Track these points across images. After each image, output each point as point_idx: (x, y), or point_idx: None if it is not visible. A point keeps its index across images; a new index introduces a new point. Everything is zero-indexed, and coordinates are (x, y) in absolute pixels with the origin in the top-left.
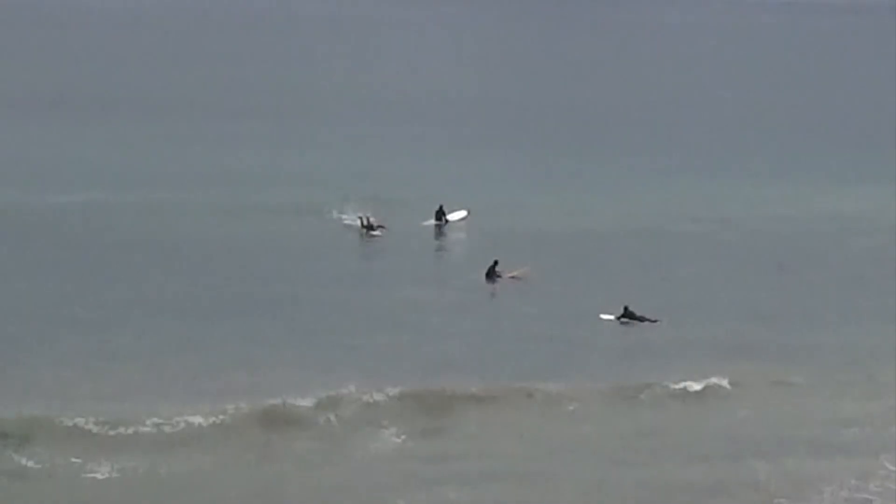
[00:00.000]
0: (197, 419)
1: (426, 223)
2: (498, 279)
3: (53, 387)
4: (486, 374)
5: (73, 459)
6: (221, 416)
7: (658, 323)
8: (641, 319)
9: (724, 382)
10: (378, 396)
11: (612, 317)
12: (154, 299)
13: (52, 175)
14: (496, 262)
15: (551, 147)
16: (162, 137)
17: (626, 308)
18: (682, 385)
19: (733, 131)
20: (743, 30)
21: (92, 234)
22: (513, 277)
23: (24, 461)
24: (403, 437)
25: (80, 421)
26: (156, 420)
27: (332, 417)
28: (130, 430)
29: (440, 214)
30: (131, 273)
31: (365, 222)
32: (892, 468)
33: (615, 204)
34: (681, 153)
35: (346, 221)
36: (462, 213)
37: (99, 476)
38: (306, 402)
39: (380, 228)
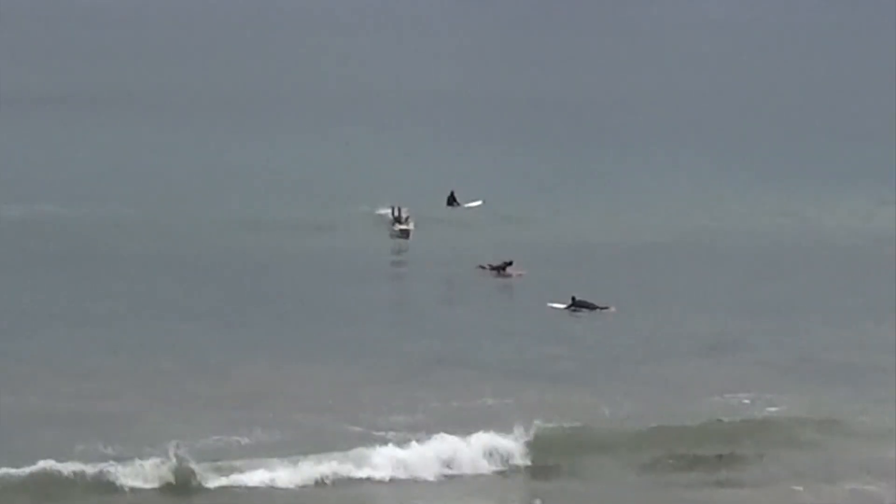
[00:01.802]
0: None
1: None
2: (506, 275)
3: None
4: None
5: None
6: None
7: (609, 310)
8: (592, 307)
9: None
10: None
11: (561, 305)
12: (160, 306)
13: (50, 182)
14: (510, 263)
15: (555, 143)
16: (163, 139)
17: (573, 298)
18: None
19: (735, 129)
20: (746, 25)
21: (108, 245)
22: (518, 274)
23: None
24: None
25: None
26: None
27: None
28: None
29: (451, 200)
30: (130, 279)
31: (395, 213)
32: None
33: (618, 201)
34: (679, 149)
35: (377, 212)
36: (477, 203)
37: None
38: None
39: (407, 221)
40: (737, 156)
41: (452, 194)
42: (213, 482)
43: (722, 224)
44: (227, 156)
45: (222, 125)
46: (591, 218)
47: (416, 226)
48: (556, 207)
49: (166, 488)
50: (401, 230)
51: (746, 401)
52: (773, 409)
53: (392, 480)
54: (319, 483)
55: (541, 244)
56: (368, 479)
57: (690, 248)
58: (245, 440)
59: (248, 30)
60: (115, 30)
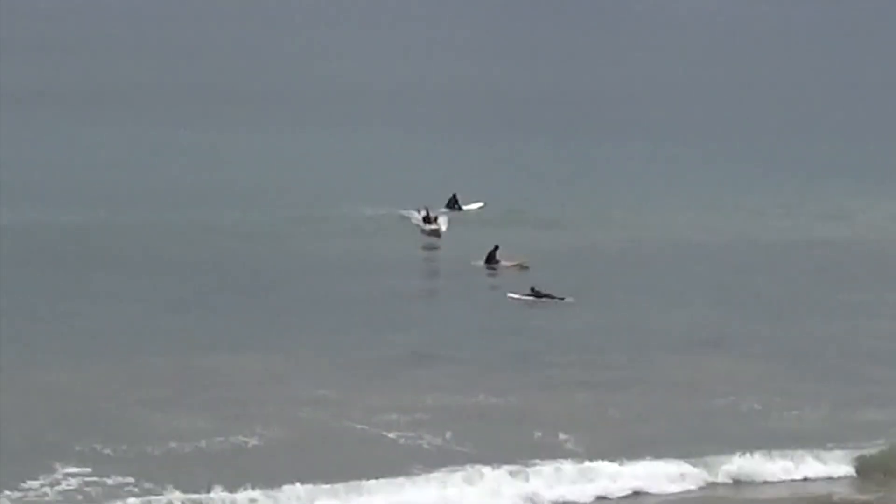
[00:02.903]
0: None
1: (440, 210)
2: (497, 265)
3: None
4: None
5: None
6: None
7: (566, 300)
8: (550, 297)
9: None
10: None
11: (519, 295)
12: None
13: (44, 187)
14: (496, 248)
15: (553, 138)
16: (159, 138)
17: (532, 288)
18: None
19: (734, 123)
20: (747, 18)
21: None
22: (513, 266)
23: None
24: None
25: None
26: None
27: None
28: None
29: (453, 202)
30: (130, 281)
31: (424, 213)
32: None
33: (616, 197)
34: (676, 143)
35: (404, 214)
36: (478, 205)
37: None
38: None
39: (437, 220)
40: (735, 151)
41: (454, 196)
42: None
43: (720, 220)
44: (218, 153)
45: (215, 123)
46: (590, 214)
47: (448, 225)
48: (555, 204)
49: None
50: (431, 230)
51: (757, 406)
52: (794, 412)
53: None
54: None
55: (539, 240)
56: None
57: (687, 244)
58: (252, 441)
59: (240, 25)
60: (101, 25)
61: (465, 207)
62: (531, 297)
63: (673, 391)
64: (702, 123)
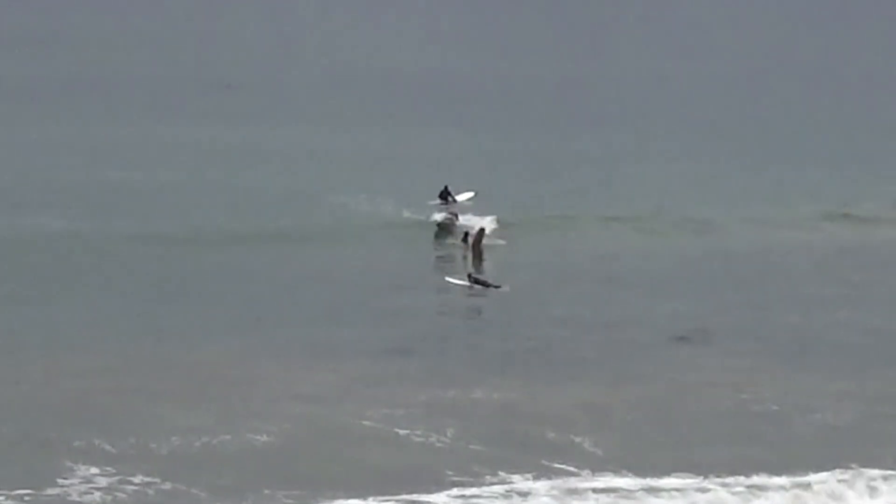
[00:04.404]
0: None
1: (431, 203)
2: (464, 244)
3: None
4: None
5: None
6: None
7: (501, 288)
8: (486, 285)
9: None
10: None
11: (458, 281)
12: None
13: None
14: (466, 234)
15: (545, 128)
16: (153, 134)
17: (469, 275)
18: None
19: (729, 117)
20: (744, 12)
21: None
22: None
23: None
24: None
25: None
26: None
27: None
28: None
29: (445, 194)
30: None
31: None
32: None
33: (610, 190)
34: (675, 138)
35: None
36: (469, 195)
37: None
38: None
39: (454, 216)
40: (732, 146)
41: (446, 188)
42: None
43: (713, 216)
44: (206, 150)
45: (199, 117)
46: (580, 207)
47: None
48: (547, 196)
49: None
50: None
51: (757, 407)
52: (813, 415)
53: None
54: None
55: (531, 232)
56: None
57: (677, 239)
58: (262, 438)
59: (230, 17)
60: (90, 16)
61: (457, 199)
62: (468, 284)
63: (676, 390)
64: (698, 119)
